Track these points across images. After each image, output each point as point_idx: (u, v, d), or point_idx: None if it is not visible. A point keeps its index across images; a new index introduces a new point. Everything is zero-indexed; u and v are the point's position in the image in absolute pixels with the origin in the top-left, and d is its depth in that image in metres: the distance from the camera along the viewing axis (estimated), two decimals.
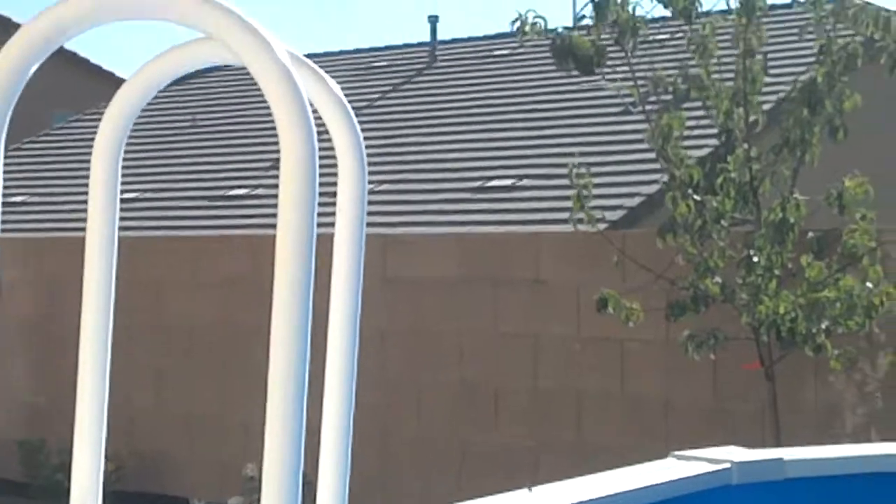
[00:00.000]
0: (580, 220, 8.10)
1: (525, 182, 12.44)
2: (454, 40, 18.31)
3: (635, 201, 11.22)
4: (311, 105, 2.03)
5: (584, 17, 8.17)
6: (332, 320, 2.57)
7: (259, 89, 1.90)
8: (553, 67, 8.58)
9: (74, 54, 23.33)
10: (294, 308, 1.95)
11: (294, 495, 1.94)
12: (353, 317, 2.57)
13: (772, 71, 9.08)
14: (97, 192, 2.40)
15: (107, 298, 2.48)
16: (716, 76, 8.05)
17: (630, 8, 8.01)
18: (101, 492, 2.53)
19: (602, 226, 9.07)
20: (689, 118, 8.14)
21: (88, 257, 2.47)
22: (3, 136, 2.01)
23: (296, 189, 1.88)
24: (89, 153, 2.27)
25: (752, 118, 8.00)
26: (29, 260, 11.32)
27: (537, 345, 9.45)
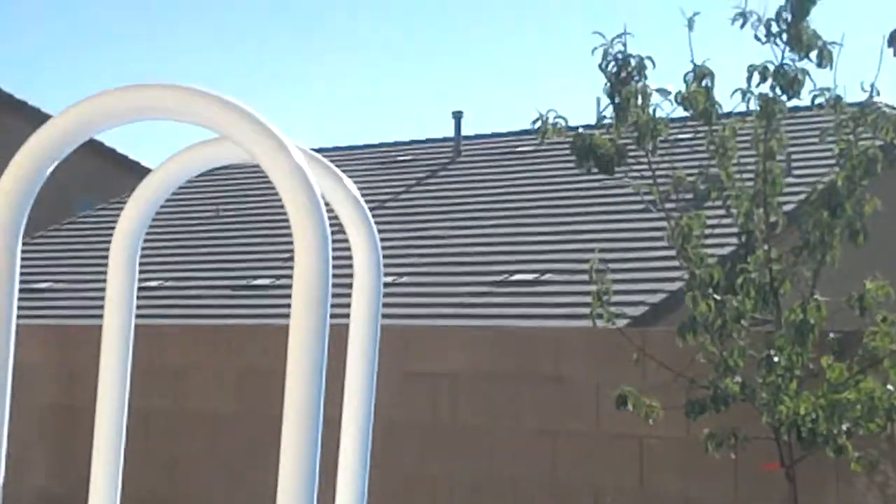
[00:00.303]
0: (599, 317, 8.10)
1: (548, 277, 12.47)
2: (478, 136, 18.45)
3: (657, 298, 11.23)
4: (327, 203, 2.06)
5: (605, 117, 8.23)
6: (346, 414, 2.59)
7: None
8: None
9: (101, 144, 23.57)
10: (305, 406, 1.97)
11: None
12: (366, 411, 2.58)
13: (793, 172, 9.11)
14: (115, 279, 2.44)
15: (122, 384, 2.51)
16: (736, 177, 8.09)
17: (650, 110, 8.07)
18: None
19: (622, 322, 9.06)
20: (710, 217, 8.17)
21: (105, 341, 2.50)
22: (22, 228, 2.04)
23: (309, 288, 1.91)
24: None
25: (772, 219, 8.02)
26: (51, 347, 11.36)
27: (556, 440, 9.41)
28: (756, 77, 7.89)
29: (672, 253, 8.35)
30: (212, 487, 10.42)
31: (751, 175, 8.15)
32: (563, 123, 8.21)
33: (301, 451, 1.97)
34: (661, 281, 11.33)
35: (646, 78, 8.09)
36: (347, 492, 2.56)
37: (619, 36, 8.08)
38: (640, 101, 8.04)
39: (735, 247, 8.85)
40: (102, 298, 2.42)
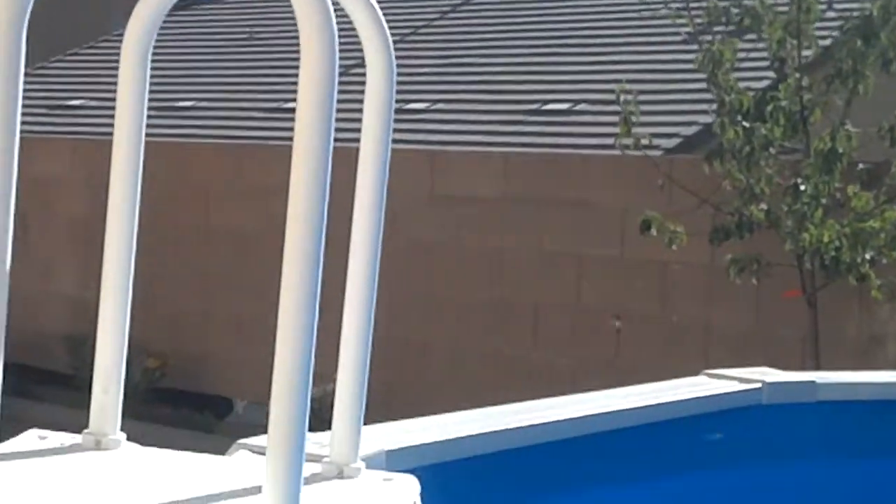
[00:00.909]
0: (626, 146, 8.08)
1: (581, 107, 12.40)
2: None
3: (691, 130, 11.16)
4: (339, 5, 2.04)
5: None
6: (355, 231, 2.61)
7: None
8: None
9: None
10: (307, 216, 1.99)
11: (302, 411, 1.98)
12: (374, 229, 2.60)
13: (834, 5, 8.97)
14: (125, 91, 2.44)
15: (132, 196, 2.53)
16: (770, 2, 7.96)
17: None
18: (124, 373, 2.59)
19: (652, 153, 9.03)
20: (742, 50, 8.08)
21: (115, 155, 2.51)
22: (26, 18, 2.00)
23: (314, 95, 1.90)
24: None
25: (805, 48, 7.93)
26: (81, 160, 11.43)
27: (581, 265, 9.47)
28: None
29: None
30: (240, 302, 10.56)
31: (786, 6, 8.03)
32: None
33: (302, 262, 1.99)
34: (695, 113, 11.24)
35: None
36: (353, 317, 2.59)
37: None
38: None
39: (770, 80, 8.77)
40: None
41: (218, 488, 2.40)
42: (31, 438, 2.57)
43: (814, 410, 4.30)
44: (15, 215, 1.94)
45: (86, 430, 2.57)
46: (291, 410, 2.00)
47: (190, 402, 10.59)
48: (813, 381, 4.40)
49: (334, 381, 2.60)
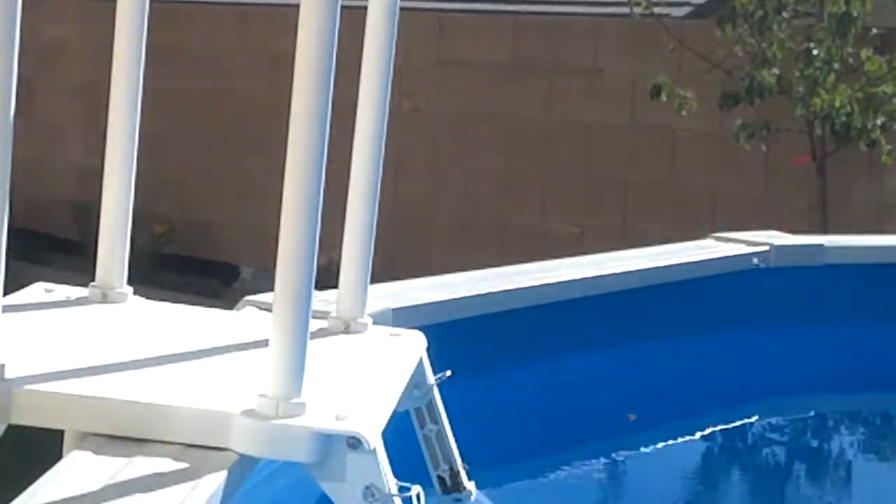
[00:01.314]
0: (637, 4, 7.97)
1: None
2: None
3: None
4: None
5: None
6: (362, 95, 2.58)
7: None
8: None
9: None
10: (314, 76, 1.96)
11: (310, 262, 1.97)
12: (381, 93, 2.57)
13: None
14: None
15: (137, 60, 2.50)
16: None
17: None
18: (130, 228, 2.58)
19: (664, 17, 8.91)
20: None
21: (119, 18, 2.48)
22: None
23: None
24: None
25: None
26: (85, 22, 11.32)
27: (589, 132, 9.41)
28: None
29: None
30: (247, 168, 10.52)
31: None
32: None
33: (308, 122, 1.96)
34: None
35: None
36: (361, 176, 2.57)
37: None
38: None
39: None
40: None
41: (225, 341, 2.40)
42: (37, 291, 2.56)
43: (821, 274, 4.30)
44: (19, 81, 1.91)
45: (92, 283, 2.57)
46: (298, 261, 1.98)
47: (196, 269, 10.61)
48: (820, 245, 4.40)
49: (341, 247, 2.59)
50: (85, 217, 9.88)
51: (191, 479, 1.87)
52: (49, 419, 2.00)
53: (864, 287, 4.32)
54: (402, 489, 2.05)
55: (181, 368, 2.21)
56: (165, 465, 1.91)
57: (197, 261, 10.71)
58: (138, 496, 1.79)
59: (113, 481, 1.83)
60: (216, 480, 1.89)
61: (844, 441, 4.38)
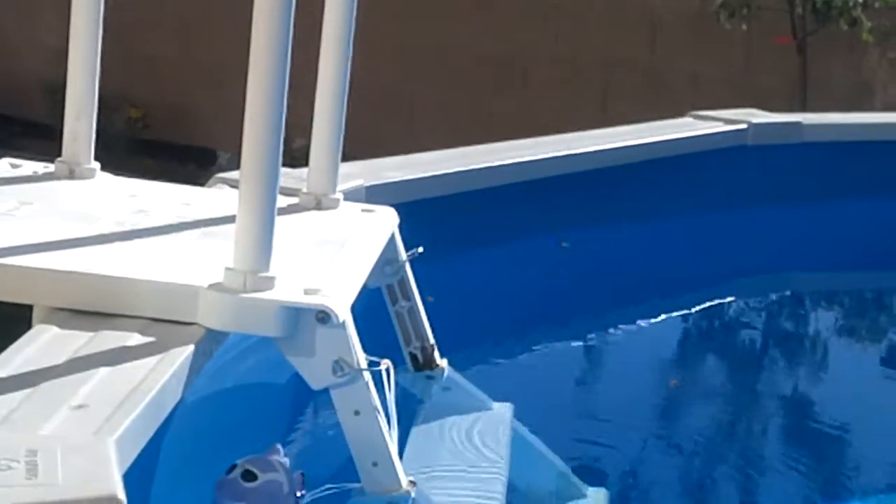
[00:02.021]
0: None
1: None
2: None
3: None
4: None
5: None
6: None
7: None
8: None
9: None
10: None
11: (277, 135, 1.92)
12: None
13: None
14: None
15: None
16: None
17: None
18: (96, 103, 2.53)
19: None
20: None
21: None
22: None
23: None
24: None
25: None
26: None
27: (567, 13, 9.30)
28: None
29: None
30: (223, 52, 10.39)
31: None
32: None
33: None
34: None
35: None
36: (331, 47, 2.52)
37: None
38: None
39: None
40: None
41: (194, 216, 2.37)
42: (2, 166, 2.52)
43: (799, 151, 4.27)
44: None
45: (59, 159, 2.53)
46: (265, 130, 1.94)
47: (173, 154, 10.51)
48: (798, 122, 4.37)
49: None
50: (60, 100, 9.75)
51: (157, 352, 1.85)
52: (14, 293, 1.97)
53: (843, 165, 4.29)
54: (371, 364, 2.03)
55: (149, 243, 2.18)
56: (131, 339, 1.89)
57: (174, 146, 10.62)
58: (103, 370, 1.77)
59: (77, 355, 1.81)
60: (183, 354, 1.86)
61: (822, 319, 4.38)
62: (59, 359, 1.79)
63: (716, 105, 6.91)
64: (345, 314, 1.98)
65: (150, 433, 1.71)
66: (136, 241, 2.17)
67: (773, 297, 4.30)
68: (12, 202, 2.28)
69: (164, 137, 10.60)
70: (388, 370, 2.05)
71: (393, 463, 2.03)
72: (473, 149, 3.65)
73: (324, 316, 1.95)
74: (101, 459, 1.47)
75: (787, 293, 4.35)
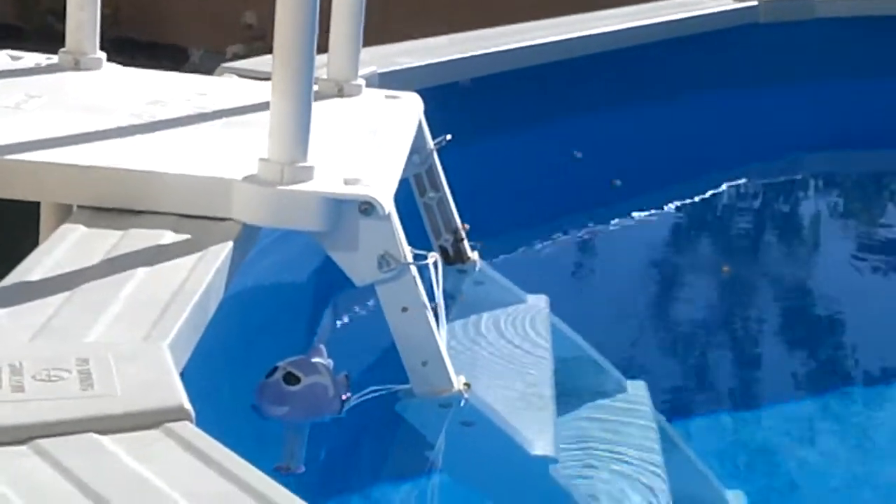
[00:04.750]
0: None
1: None
2: None
3: None
4: None
5: None
6: None
7: None
8: None
9: None
10: None
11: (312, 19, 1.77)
12: None
13: None
14: None
15: None
16: None
17: None
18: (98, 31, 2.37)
19: None
20: None
21: None
22: None
23: None
24: None
25: None
26: None
27: None
28: None
29: None
30: None
31: None
32: None
33: None
34: None
35: None
36: None
37: None
38: None
39: None
40: None
41: (212, 106, 2.23)
42: (1, 59, 2.36)
43: (812, 28, 4.14)
44: None
45: (62, 49, 2.37)
46: (299, 10, 1.79)
47: (144, 52, 10.26)
48: None
49: None
50: (24, 0, 9.52)
51: (195, 251, 1.72)
52: (32, 191, 1.83)
53: (857, 42, 4.16)
54: (417, 257, 1.91)
55: (170, 135, 2.04)
56: (164, 236, 1.76)
57: (144, 44, 10.38)
58: (141, 270, 1.64)
59: (111, 255, 1.68)
60: (223, 251, 1.74)
61: (838, 199, 4.28)
62: (93, 259, 1.66)
63: None
64: (389, 204, 1.86)
65: (198, 337, 1.58)
66: (157, 134, 2.03)
67: (787, 179, 4.19)
68: (19, 95, 2.13)
69: (135, 35, 10.36)
70: (435, 263, 1.93)
71: (444, 361, 1.91)
72: (488, 31, 3.50)
73: (368, 207, 1.83)
74: (160, 367, 1.35)
75: (798, 177, 4.25)
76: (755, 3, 4.07)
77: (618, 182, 3.51)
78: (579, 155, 3.54)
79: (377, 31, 2.80)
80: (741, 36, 4.02)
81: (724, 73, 4.01)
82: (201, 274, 1.66)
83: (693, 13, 3.98)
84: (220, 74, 2.76)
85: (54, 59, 2.38)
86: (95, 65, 2.37)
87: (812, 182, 4.24)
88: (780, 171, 4.14)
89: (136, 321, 1.49)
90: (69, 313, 1.50)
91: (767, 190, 4.12)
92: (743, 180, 4.03)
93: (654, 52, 3.82)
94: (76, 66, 2.35)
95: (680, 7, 4.00)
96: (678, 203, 3.80)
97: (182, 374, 1.51)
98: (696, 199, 3.88)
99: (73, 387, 1.27)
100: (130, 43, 10.42)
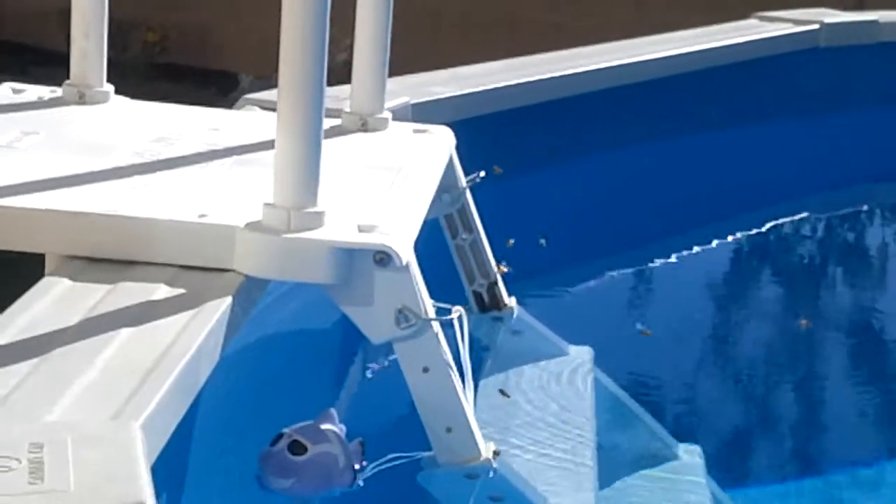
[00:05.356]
0: None
1: None
2: None
3: None
4: None
5: None
6: None
7: None
8: None
9: None
10: None
11: (321, 50, 1.60)
12: None
13: None
14: None
15: None
16: None
17: None
18: (107, 19, 2.21)
19: None
20: None
21: None
22: None
23: None
24: None
25: None
26: None
27: None
28: None
29: None
30: None
31: None
32: None
33: None
34: None
35: None
36: None
37: None
38: None
39: None
40: None
41: (224, 143, 2.05)
42: (2, 91, 2.20)
43: (875, 52, 3.93)
44: None
45: (67, 82, 2.21)
46: (307, 40, 1.61)
47: (193, 78, 10.18)
48: (875, 21, 4.02)
49: None
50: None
51: (189, 307, 1.55)
52: (17, 241, 1.66)
53: None
54: (440, 312, 1.72)
55: (173, 176, 1.87)
56: (157, 291, 1.59)
57: (193, 70, 10.28)
58: (124, 332, 1.46)
59: (93, 313, 1.51)
60: (219, 308, 1.56)
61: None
62: (72, 318, 1.49)
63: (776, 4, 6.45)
64: (408, 254, 1.67)
65: (184, 409, 1.40)
66: (159, 175, 1.86)
67: (854, 210, 3.96)
68: (14, 132, 1.97)
69: (184, 61, 10.27)
70: (460, 318, 1.74)
71: (470, 428, 1.73)
72: (528, 59, 3.31)
73: (383, 257, 1.64)
74: (124, 453, 1.17)
75: (865, 208, 4.02)
76: (816, 26, 3.86)
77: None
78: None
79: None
80: (800, 62, 3.82)
81: (785, 100, 3.81)
82: (192, 335, 1.48)
83: (752, 37, 3.79)
84: (242, 106, 2.59)
85: (59, 91, 2.22)
86: (102, 98, 2.21)
87: (879, 212, 4.01)
88: (846, 202, 3.91)
89: (109, 394, 1.32)
90: (34, 384, 1.32)
91: (831, 222, 3.90)
92: (805, 213, 3.81)
93: (709, 78, 3.62)
94: (81, 100, 2.19)
95: (737, 31, 3.80)
96: (740, 234, 3.58)
97: (164, 452, 1.33)
98: (753, 231, 3.66)
99: (20, 480, 1.10)
100: (179, 69, 10.36)
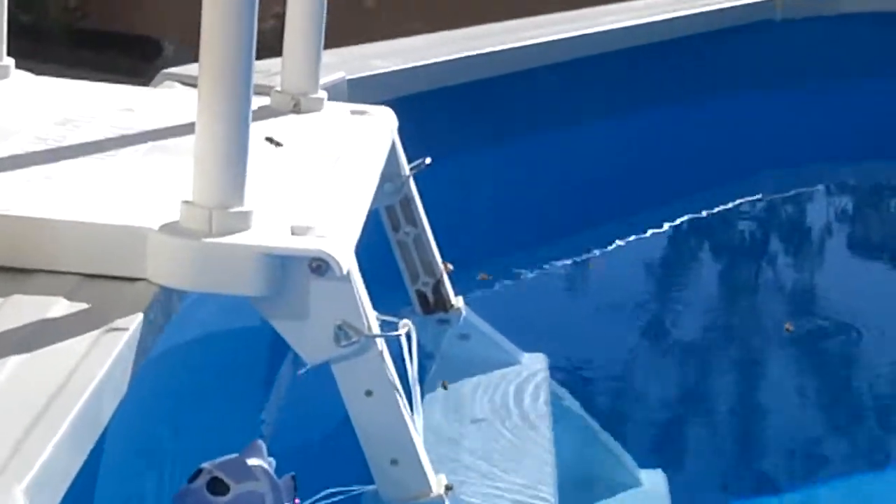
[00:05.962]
0: None
1: None
2: None
3: None
4: None
5: None
6: None
7: None
8: None
9: None
10: None
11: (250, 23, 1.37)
12: None
13: None
14: None
15: None
16: None
17: None
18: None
19: None
20: None
21: None
22: None
23: None
24: None
25: None
26: None
27: None
28: None
29: None
30: None
31: None
32: None
33: None
34: None
35: None
36: None
37: None
38: None
39: None
40: None
41: (136, 128, 1.82)
42: None
43: (835, 24, 3.76)
44: None
45: None
46: (232, 14, 1.38)
47: (114, 44, 9.87)
48: None
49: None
50: None
51: (92, 327, 1.32)
52: None
53: (884, 38, 3.79)
54: (385, 325, 1.50)
55: (78, 167, 1.63)
56: (55, 306, 1.35)
57: (115, 36, 9.98)
58: (12, 360, 1.23)
59: None
60: (129, 326, 1.33)
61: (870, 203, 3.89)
62: None
63: None
64: (348, 261, 1.45)
65: (83, 458, 1.17)
66: (61, 165, 1.62)
67: (807, 189, 3.79)
68: None
69: (105, 27, 9.96)
70: (408, 334, 1.52)
71: (419, 459, 1.51)
72: (467, 31, 3.08)
73: (320, 265, 1.42)
74: None
75: (819, 187, 3.85)
76: None
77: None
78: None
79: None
80: (758, 32, 3.64)
81: (743, 73, 3.63)
82: (95, 363, 1.25)
83: (706, 9, 3.60)
84: (160, 83, 2.35)
85: None
86: (1, 73, 1.96)
87: (836, 188, 3.85)
88: (801, 180, 3.74)
89: None
90: None
91: (785, 203, 3.72)
92: (758, 194, 3.63)
93: (667, 50, 3.43)
94: None
95: (695, 2, 3.61)
96: (708, 211, 3.40)
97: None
98: (704, 213, 3.47)
99: None
100: (99, 35, 10.04)
